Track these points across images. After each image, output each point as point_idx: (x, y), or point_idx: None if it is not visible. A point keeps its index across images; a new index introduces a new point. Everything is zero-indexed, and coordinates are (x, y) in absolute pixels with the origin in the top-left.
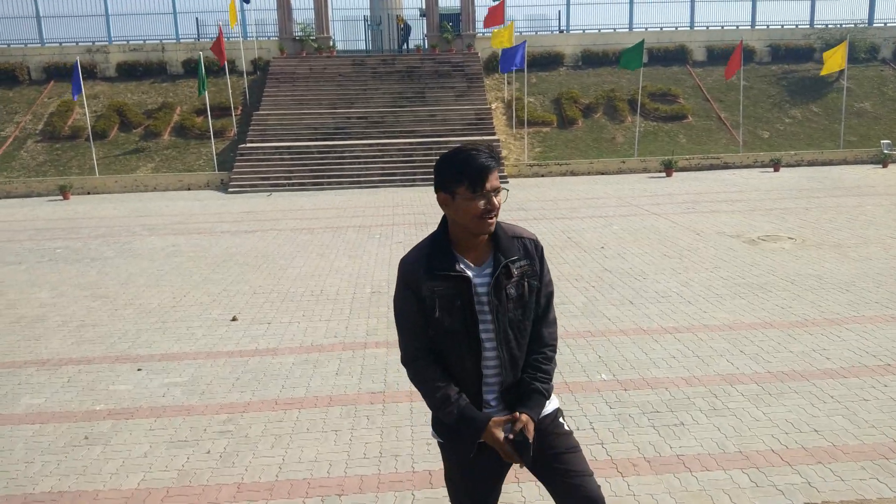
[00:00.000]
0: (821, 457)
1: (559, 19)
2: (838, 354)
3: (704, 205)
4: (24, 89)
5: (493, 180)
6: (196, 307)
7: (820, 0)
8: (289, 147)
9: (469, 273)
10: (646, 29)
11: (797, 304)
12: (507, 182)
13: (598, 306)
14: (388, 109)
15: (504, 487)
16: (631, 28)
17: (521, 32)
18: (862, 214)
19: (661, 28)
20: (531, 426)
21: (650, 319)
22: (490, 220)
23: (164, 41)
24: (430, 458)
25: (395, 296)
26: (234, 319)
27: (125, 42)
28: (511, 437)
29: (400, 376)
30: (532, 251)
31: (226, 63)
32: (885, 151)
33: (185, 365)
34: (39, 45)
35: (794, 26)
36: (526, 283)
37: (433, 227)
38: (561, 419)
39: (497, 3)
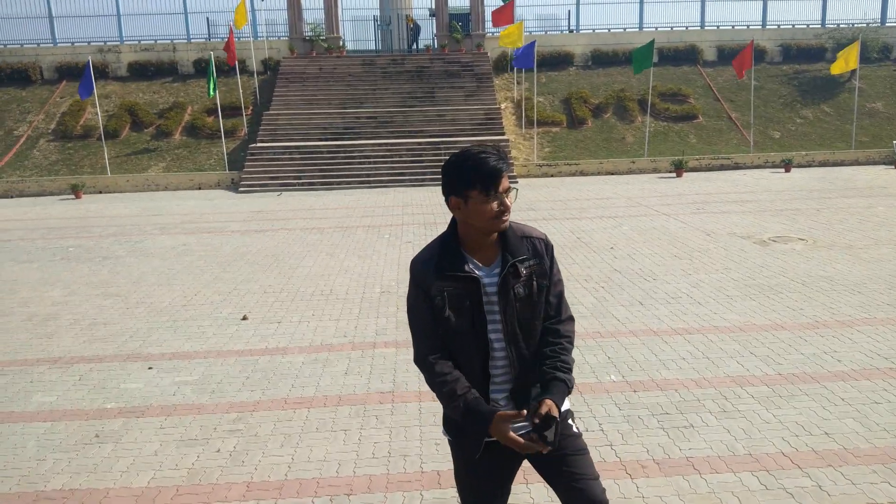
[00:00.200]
0: (831, 460)
1: (569, 19)
2: (849, 357)
3: (715, 205)
4: (36, 89)
5: (504, 182)
6: (207, 306)
7: None
8: (299, 147)
9: (478, 273)
10: (656, 28)
11: (808, 305)
12: (517, 182)
13: (608, 307)
14: (398, 109)
15: (513, 488)
16: (641, 28)
17: (530, 32)
18: (874, 216)
19: (672, 28)
20: (555, 411)
21: (660, 320)
22: (504, 220)
23: (175, 41)
24: (439, 458)
25: (408, 295)
26: (244, 318)
27: (136, 42)
28: (536, 421)
29: (409, 376)
30: (541, 250)
31: (236, 63)
32: None
33: (195, 364)
34: (52, 44)
35: (805, 26)
36: (535, 283)
37: (442, 227)
38: (570, 420)
39: (506, 2)
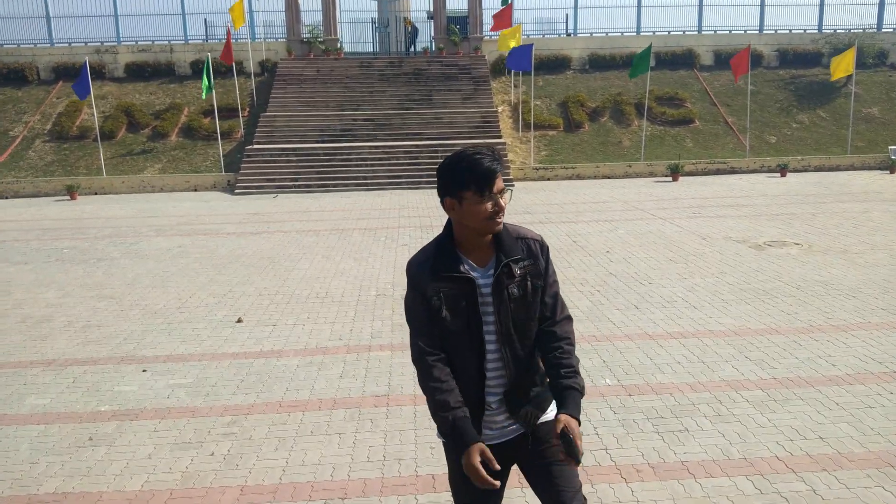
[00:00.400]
0: (826, 464)
1: (567, 23)
2: (844, 361)
3: (711, 210)
4: (32, 89)
5: (498, 183)
6: (201, 308)
7: (828, 5)
8: (295, 149)
9: (474, 274)
10: (653, 33)
11: (803, 310)
12: (513, 185)
13: (603, 311)
14: (395, 112)
15: (507, 493)
16: (638, 32)
17: (528, 35)
18: (869, 220)
19: (669, 32)
20: (573, 423)
21: (655, 324)
22: (498, 220)
23: (172, 42)
24: (434, 461)
25: (405, 297)
26: (239, 321)
27: (134, 43)
28: (557, 441)
29: (404, 379)
30: (536, 251)
31: (233, 64)
32: (893, 157)
33: (189, 366)
34: (49, 45)
35: (802, 31)
36: (529, 283)
37: (438, 230)
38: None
39: (505, 6)
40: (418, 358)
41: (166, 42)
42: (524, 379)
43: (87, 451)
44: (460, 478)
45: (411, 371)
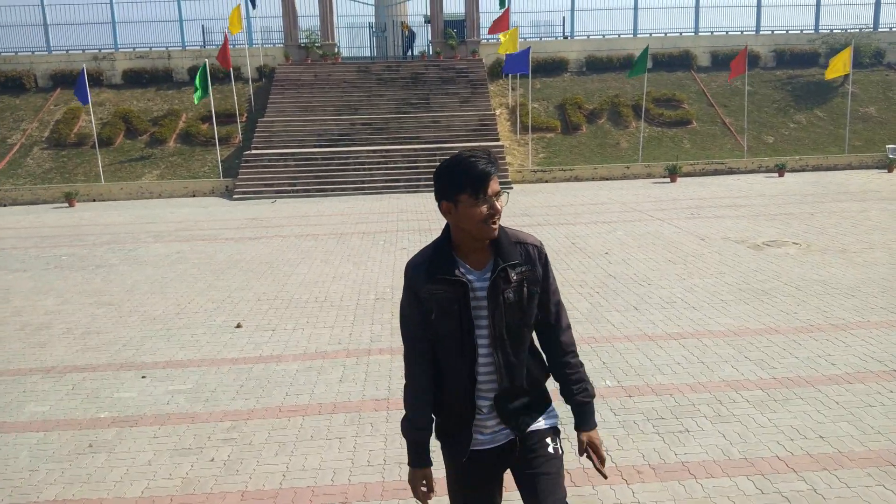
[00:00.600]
0: (826, 463)
1: (564, 25)
2: (844, 360)
3: (709, 210)
4: (30, 97)
5: (494, 185)
6: (200, 314)
7: (825, 5)
8: (293, 154)
9: (470, 277)
10: (650, 35)
11: (802, 309)
12: (511, 188)
13: (603, 312)
14: (393, 116)
15: (507, 495)
16: (635, 34)
17: (525, 38)
18: (867, 219)
19: (666, 34)
20: (594, 437)
21: (655, 325)
22: (494, 224)
23: (169, 48)
24: (434, 465)
25: (401, 298)
26: (238, 326)
27: (131, 49)
28: (582, 454)
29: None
30: (534, 257)
31: (231, 70)
32: (891, 156)
33: (189, 372)
34: (46, 52)
35: (798, 31)
36: (525, 289)
37: (436, 234)
38: (549, 440)
39: (503, 10)
40: (405, 357)
41: (164, 48)
42: (516, 384)
43: (87, 458)
44: (456, 484)
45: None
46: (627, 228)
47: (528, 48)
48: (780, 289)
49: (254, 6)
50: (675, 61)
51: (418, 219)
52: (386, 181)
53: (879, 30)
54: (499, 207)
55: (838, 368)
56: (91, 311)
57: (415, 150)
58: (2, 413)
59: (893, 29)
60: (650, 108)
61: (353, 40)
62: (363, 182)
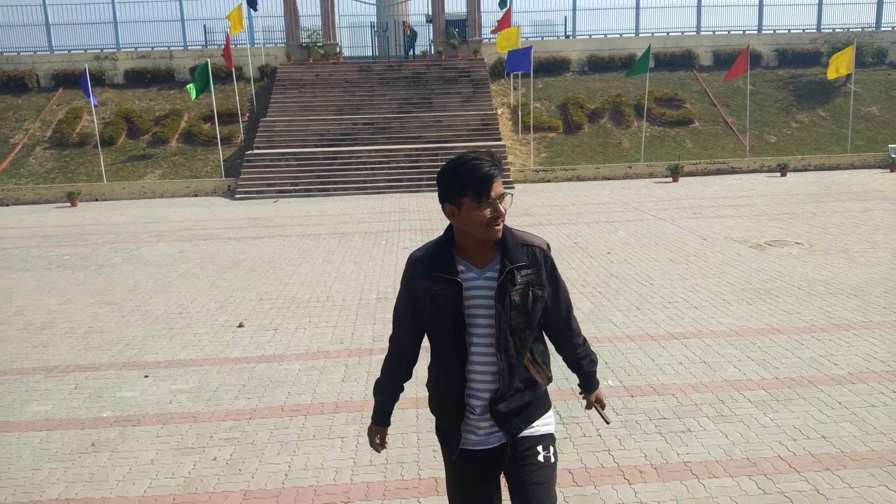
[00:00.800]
0: (829, 463)
1: (565, 25)
2: (846, 360)
3: (711, 210)
4: (32, 96)
5: (497, 187)
6: (203, 313)
7: (827, 4)
8: (295, 153)
9: (470, 275)
10: (652, 34)
11: (805, 309)
12: (514, 188)
13: (605, 312)
14: (395, 115)
15: (505, 495)
16: (637, 33)
17: (527, 38)
18: (870, 219)
19: (668, 33)
20: (598, 394)
21: (657, 325)
22: (497, 227)
23: (171, 48)
24: (436, 465)
25: (400, 284)
26: (240, 326)
27: (133, 49)
28: (590, 408)
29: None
30: (540, 260)
31: (233, 70)
32: (893, 156)
33: (191, 371)
34: (48, 52)
35: (801, 31)
36: (530, 293)
37: (439, 233)
38: (541, 447)
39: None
40: (389, 341)
41: (165, 48)
42: (515, 387)
43: (90, 458)
44: (454, 483)
45: (413, 374)
46: (629, 228)
47: (530, 47)
48: (782, 289)
49: (254, 9)
50: (677, 61)
51: (420, 218)
52: (388, 181)
53: (882, 29)
54: (502, 210)
55: (841, 368)
56: (93, 311)
57: (416, 149)
58: (5, 412)
59: None
60: (652, 108)
61: (354, 40)
62: (365, 182)
